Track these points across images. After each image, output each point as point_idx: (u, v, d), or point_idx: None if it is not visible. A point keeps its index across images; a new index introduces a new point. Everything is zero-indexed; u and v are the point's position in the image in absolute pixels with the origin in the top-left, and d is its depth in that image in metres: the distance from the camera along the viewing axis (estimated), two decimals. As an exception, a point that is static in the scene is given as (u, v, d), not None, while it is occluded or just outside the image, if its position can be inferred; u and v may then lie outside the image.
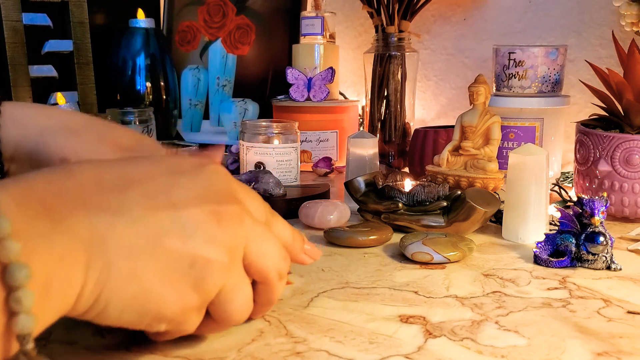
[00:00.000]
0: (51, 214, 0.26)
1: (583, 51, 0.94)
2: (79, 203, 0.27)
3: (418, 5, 0.96)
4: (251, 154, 0.78)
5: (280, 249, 0.36)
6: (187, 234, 0.30)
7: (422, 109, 1.13)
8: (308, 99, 0.98)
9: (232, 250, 0.32)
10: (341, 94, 1.13)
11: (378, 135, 0.98)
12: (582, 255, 0.51)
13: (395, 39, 0.96)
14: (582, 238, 0.50)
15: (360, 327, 0.39)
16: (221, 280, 0.31)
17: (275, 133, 0.78)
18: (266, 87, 1.12)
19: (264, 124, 0.79)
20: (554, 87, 0.82)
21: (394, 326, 0.39)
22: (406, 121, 0.99)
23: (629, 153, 0.64)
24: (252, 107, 1.12)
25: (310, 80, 0.98)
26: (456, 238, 0.54)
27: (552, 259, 0.51)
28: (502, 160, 0.76)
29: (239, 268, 0.33)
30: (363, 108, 1.09)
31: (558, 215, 0.54)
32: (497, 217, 0.63)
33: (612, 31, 0.78)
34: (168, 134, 1.10)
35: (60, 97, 1.00)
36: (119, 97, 1.06)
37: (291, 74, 0.98)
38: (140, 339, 0.37)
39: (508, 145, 0.81)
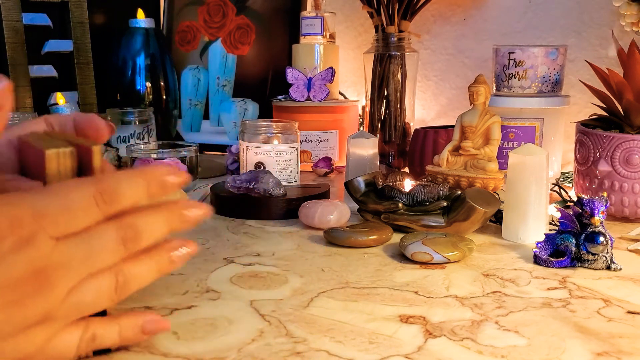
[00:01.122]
0: None
1: (583, 51, 0.94)
2: None
3: (418, 5, 0.96)
4: (251, 154, 0.78)
5: None
6: None
7: (422, 109, 1.13)
8: (308, 99, 0.98)
9: None
10: (341, 94, 1.13)
11: (378, 135, 0.98)
12: (582, 255, 0.51)
13: (395, 39, 0.96)
14: (582, 238, 0.50)
15: (360, 327, 0.39)
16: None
17: (275, 133, 0.78)
18: (266, 87, 1.12)
19: (264, 124, 0.79)
20: (554, 87, 0.82)
21: (394, 326, 0.39)
22: (406, 121, 0.99)
23: (629, 153, 0.64)
24: (252, 107, 1.12)
25: (310, 80, 0.98)
26: (456, 238, 0.54)
27: (552, 259, 0.51)
28: (502, 160, 0.76)
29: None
30: (363, 108, 1.09)
31: (558, 215, 0.54)
32: (497, 217, 0.63)
33: (612, 31, 0.78)
34: (168, 134, 1.10)
35: (60, 97, 1.00)
36: (119, 97, 1.06)
37: (291, 74, 0.98)
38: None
39: (508, 145, 0.81)
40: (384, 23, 0.96)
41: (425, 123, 1.11)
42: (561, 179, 0.86)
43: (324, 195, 0.71)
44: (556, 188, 0.74)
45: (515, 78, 0.82)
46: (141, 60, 1.05)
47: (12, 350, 0.28)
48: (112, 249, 0.31)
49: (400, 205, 0.61)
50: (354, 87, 1.22)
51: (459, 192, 0.60)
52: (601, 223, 0.50)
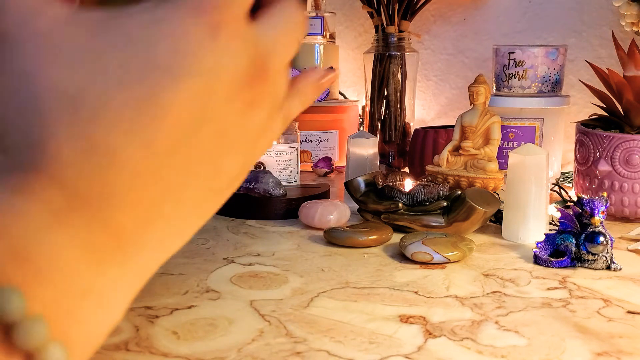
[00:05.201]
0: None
1: (583, 51, 0.94)
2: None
3: (418, 5, 0.96)
4: (251, 154, 0.78)
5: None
6: None
7: (422, 109, 1.13)
8: (308, 99, 0.98)
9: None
10: (341, 94, 1.13)
11: (378, 135, 0.98)
12: (582, 255, 0.51)
13: (395, 39, 0.96)
14: (582, 238, 0.50)
15: (360, 327, 0.39)
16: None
17: (275, 133, 0.78)
18: (266, 87, 1.12)
19: (264, 124, 0.79)
20: (554, 87, 0.82)
21: (394, 326, 0.39)
22: (406, 121, 0.99)
23: (629, 153, 0.64)
24: (252, 107, 1.12)
25: (310, 80, 0.98)
26: (456, 238, 0.54)
27: (552, 259, 0.51)
28: (502, 160, 0.76)
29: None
30: (363, 108, 1.09)
31: (558, 215, 0.54)
32: (497, 217, 0.63)
33: (612, 31, 0.78)
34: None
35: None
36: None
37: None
38: (140, 339, 0.37)
39: (508, 145, 0.81)
40: (384, 23, 0.96)
41: (425, 123, 1.11)
42: (561, 179, 0.86)
43: (324, 195, 0.71)
44: (556, 188, 0.74)
45: (515, 78, 0.82)
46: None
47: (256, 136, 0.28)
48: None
49: (400, 205, 0.61)
50: (354, 87, 1.22)
51: (459, 192, 0.60)
52: (601, 223, 0.50)
